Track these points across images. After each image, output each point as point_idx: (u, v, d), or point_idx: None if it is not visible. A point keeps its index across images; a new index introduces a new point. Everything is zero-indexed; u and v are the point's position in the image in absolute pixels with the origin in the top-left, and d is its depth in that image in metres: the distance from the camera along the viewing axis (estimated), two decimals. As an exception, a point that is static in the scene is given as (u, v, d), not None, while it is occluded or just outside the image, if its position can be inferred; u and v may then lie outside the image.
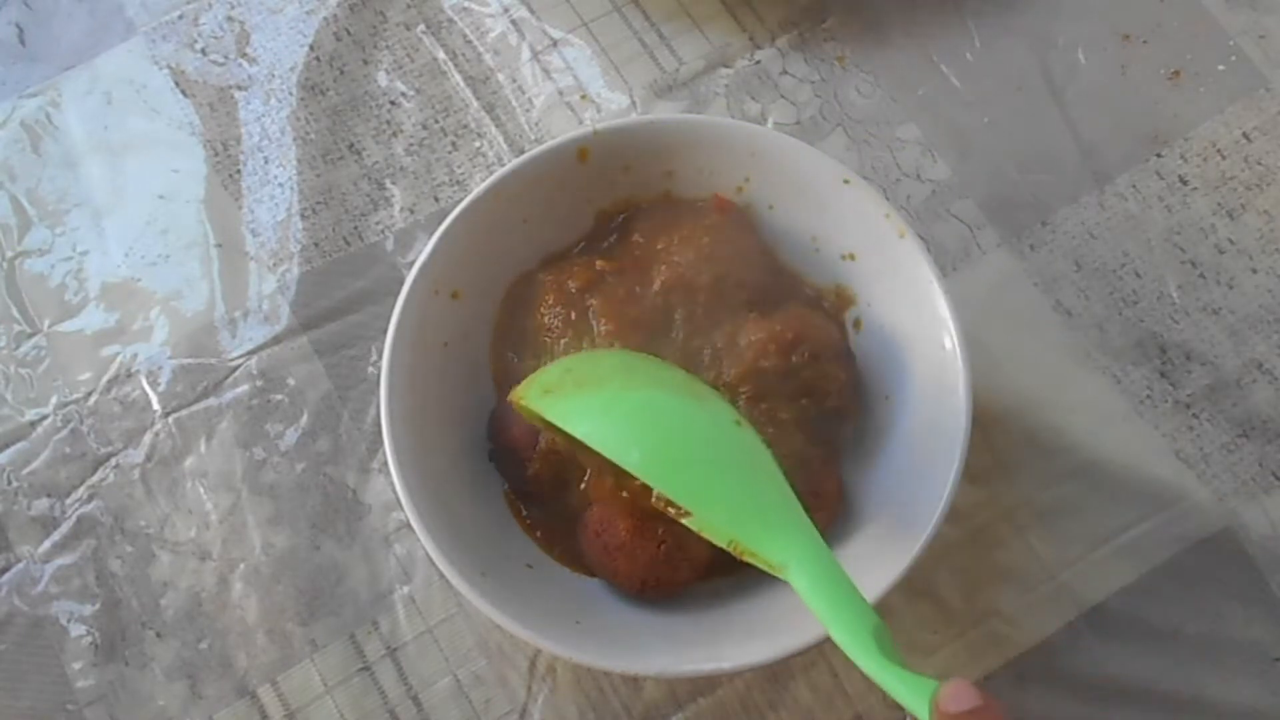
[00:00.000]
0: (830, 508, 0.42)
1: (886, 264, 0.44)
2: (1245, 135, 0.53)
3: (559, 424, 0.38)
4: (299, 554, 0.47)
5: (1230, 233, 0.52)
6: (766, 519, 0.36)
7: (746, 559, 0.36)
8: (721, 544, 0.36)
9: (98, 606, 0.47)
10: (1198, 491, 0.48)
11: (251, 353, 0.50)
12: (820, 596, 0.34)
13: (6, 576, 0.47)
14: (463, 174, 0.53)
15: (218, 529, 0.48)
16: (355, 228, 0.52)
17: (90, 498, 0.48)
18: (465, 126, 0.54)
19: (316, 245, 0.52)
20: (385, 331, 0.42)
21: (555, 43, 0.56)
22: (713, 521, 0.36)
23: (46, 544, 0.48)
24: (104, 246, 0.52)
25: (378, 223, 0.53)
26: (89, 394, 0.50)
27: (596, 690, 0.45)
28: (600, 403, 0.39)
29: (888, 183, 0.53)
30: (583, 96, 0.55)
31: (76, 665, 0.46)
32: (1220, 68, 0.54)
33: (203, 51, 0.56)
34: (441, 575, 0.41)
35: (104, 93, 0.55)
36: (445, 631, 0.46)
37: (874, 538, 0.42)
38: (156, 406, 0.50)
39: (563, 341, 0.44)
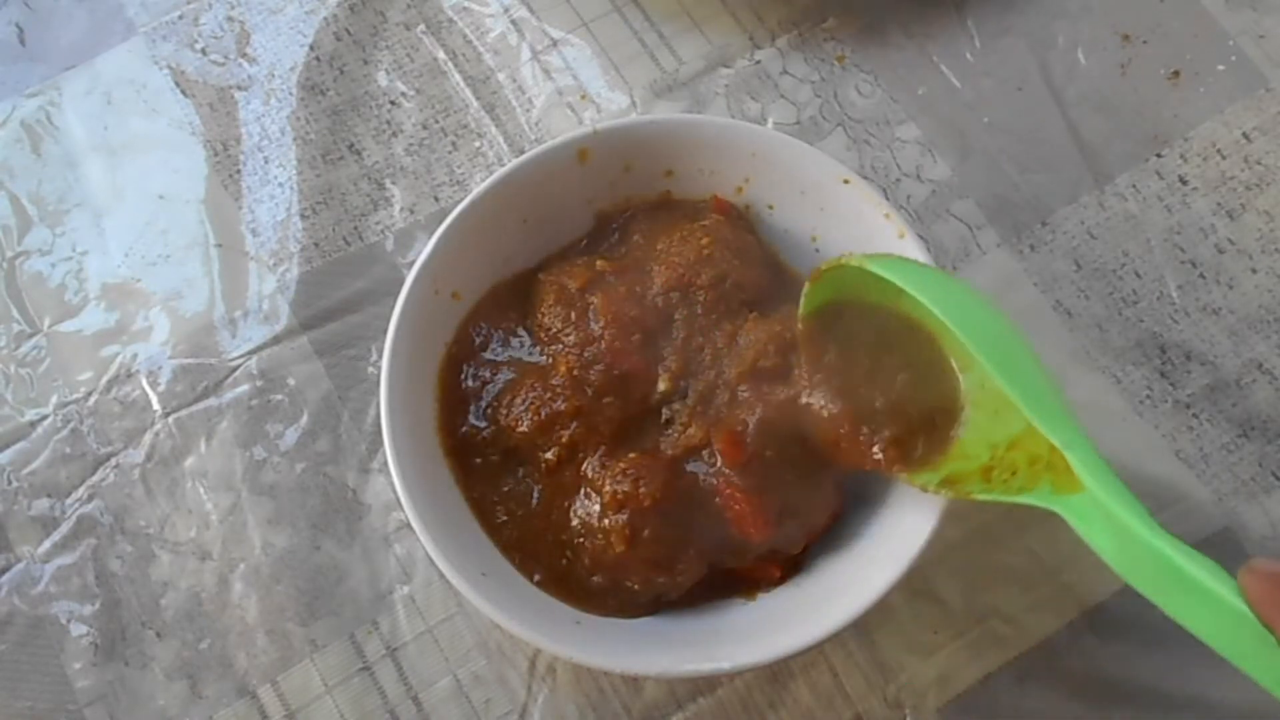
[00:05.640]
0: (830, 508, 0.42)
1: (886, 264, 0.44)
2: (1245, 135, 0.53)
3: (895, 279, 0.38)
4: (299, 554, 0.47)
5: (1230, 233, 0.52)
6: (1052, 405, 0.37)
7: (999, 481, 0.38)
8: (978, 463, 0.38)
9: (98, 606, 0.47)
10: (1198, 491, 0.48)
11: (251, 353, 0.50)
12: (1099, 476, 0.35)
13: (6, 576, 0.47)
14: (463, 174, 0.53)
15: (218, 529, 0.48)
16: (355, 228, 0.52)
17: (90, 498, 0.48)
18: (465, 126, 0.54)
19: (316, 245, 0.52)
20: (385, 331, 0.42)
21: (555, 43, 0.56)
22: (1017, 393, 0.37)
23: (46, 544, 0.48)
24: (104, 246, 0.52)
25: (378, 223, 0.53)
26: (89, 394, 0.50)
27: (596, 690, 0.45)
28: (934, 276, 0.41)
29: (888, 183, 0.53)
30: (583, 96, 0.55)
31: (76, 665, 0.46)
32: (1220, 68, 0.54)
33: (203, 51, 0.56)
34: (441, 575, 0.41)
35: (104, 93, 0.55)
36: (445, 631, 0.46)
37: (874, 538, 0.42)
38: (156, 406, 0.50)
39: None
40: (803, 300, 0.42)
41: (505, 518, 0.43)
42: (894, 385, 0.41)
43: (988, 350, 0.37)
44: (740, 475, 0.40)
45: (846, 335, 0.42)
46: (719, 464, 0.41)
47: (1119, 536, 0.33)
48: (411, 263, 0.48)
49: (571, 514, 0.42)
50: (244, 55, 0.56)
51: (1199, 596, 0.31)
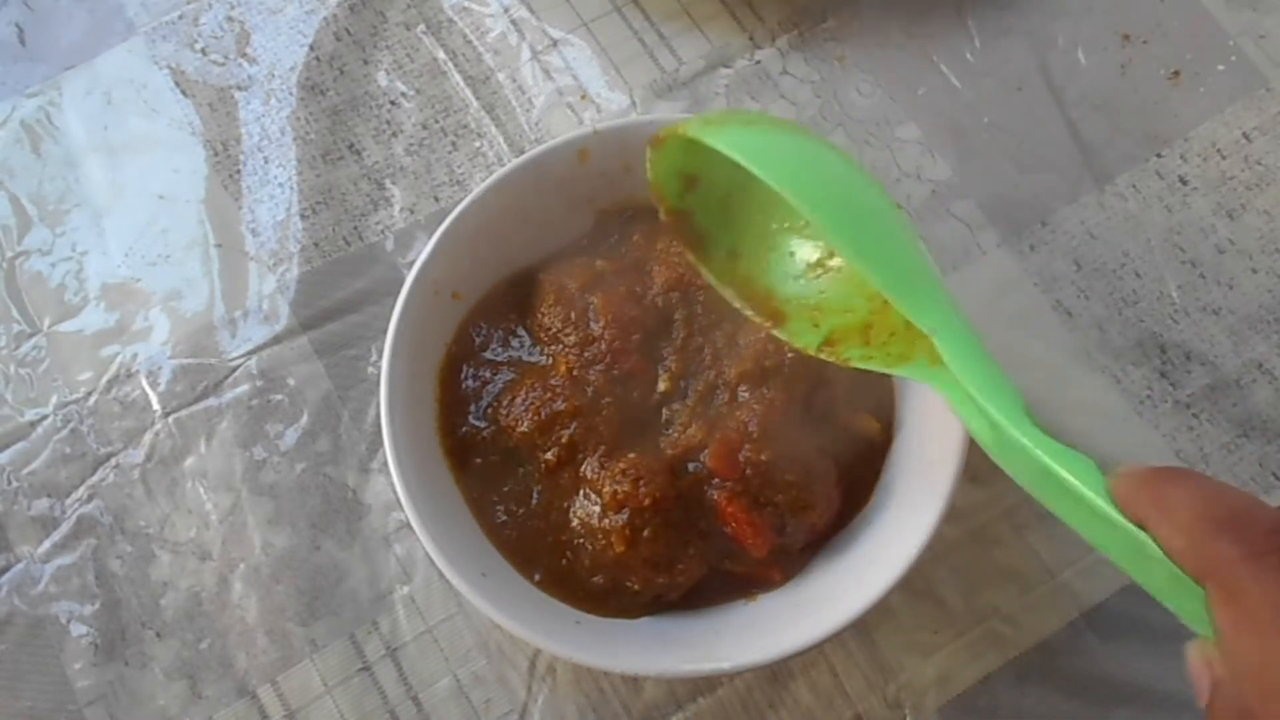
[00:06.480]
0: (830, 507, 0.42)
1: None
2: (1245, 135, 0.53)
3: (720, 147, 0.36)
4: (299, 554, 0.47)
5: (1230, 233, 0.52)
6: (919, 284, 0.35)
7: (878, 343, 0.36)
8: (858, 317, 0.37)
9: (98, 606, 0.47)
10: (1198, 491, 0.48)
11: (251, 353, 0.50)
12: (968, 364, 0.33)
13: (6, 576, 0.47)
14: (463, 174, 0.53)
15: (218, 529, 0.48)
16: (355, 228, 0.52)
17: (90, 498, 0.48)
18: (465, 126, 0.54)
19: (316, 245, 0.52)
20: (385, 331, 0.42)
21: (555, 43, 0.56)
22: (872, 270, 0.35)
23: (46, 544, 0.48)
24: (104, 246, 0.52)
25: (378, 223, 0.53)
26: (89, 394, 0.50)
27: (596, 690, 0.45)
28: (769, 139, 0.37)
29: (888, 182, 0.53)
30: (583, 96, 0.55)
31: (76, 665, 0.46)
32: (1220, 68, 0.54)
33: (203, 51, 0.56)
34: (441, 575, 0.41)
35: (104, 93, 0.55)
36: (445, 631, 0.46)
37: (874, 538, 0.42)
38: (156, 406, 0.50)
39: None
40: (648, 166, 0.41)
41: (505, 518, 0.43)
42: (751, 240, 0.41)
43: (833, 221, 0.35)
44: (738, 487, 0.40)
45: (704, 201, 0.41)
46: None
47: (993, 425, 0.32)
48: (411, 263, 0.48)
49: (571, 514, 0.42)
50: (244, 55, 0.56)
51: (1070, 495, 0.30)
